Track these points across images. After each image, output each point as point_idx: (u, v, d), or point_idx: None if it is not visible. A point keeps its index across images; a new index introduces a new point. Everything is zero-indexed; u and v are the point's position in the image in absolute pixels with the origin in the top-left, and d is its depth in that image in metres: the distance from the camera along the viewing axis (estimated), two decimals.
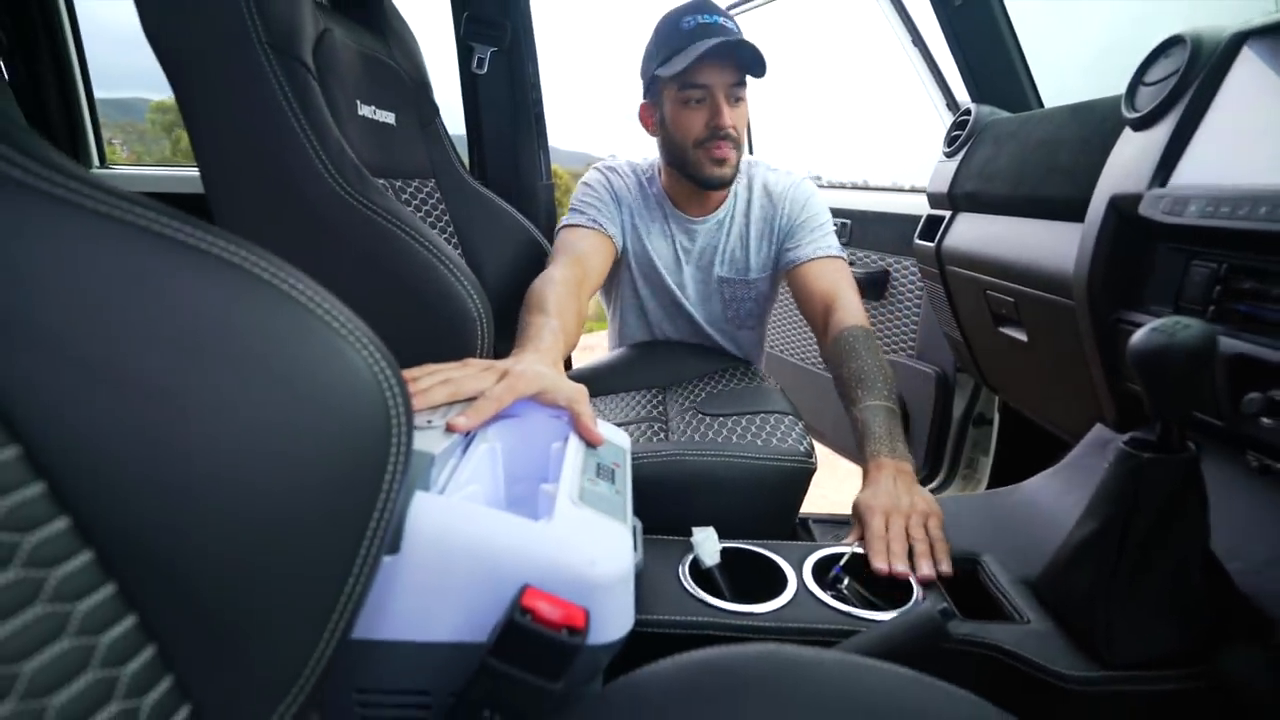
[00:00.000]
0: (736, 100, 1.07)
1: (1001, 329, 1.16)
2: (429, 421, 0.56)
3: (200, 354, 0.25)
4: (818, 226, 1.17)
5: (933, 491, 1.76)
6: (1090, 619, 0.60)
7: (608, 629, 0.44)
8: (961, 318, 1.32)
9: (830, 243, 1.16)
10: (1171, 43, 0.77)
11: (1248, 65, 0.68)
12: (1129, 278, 0.80)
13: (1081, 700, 0.57)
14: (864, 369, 0.96)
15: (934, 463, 1.71)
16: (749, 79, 1.06)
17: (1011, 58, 1.34)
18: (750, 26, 2.16)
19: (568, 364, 1.43)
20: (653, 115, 1.15)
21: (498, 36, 1.36)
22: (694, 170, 1.11)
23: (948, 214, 1.30)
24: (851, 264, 1.88)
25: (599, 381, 1.23)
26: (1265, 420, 0.63)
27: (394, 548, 0.43)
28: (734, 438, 0.99)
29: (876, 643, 0.58)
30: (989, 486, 1.65)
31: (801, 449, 0.95)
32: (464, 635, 0.43)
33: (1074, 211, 0.91)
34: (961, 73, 1.45)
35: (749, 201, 1.21)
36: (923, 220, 1.39)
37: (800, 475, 0.93)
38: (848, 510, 0.84)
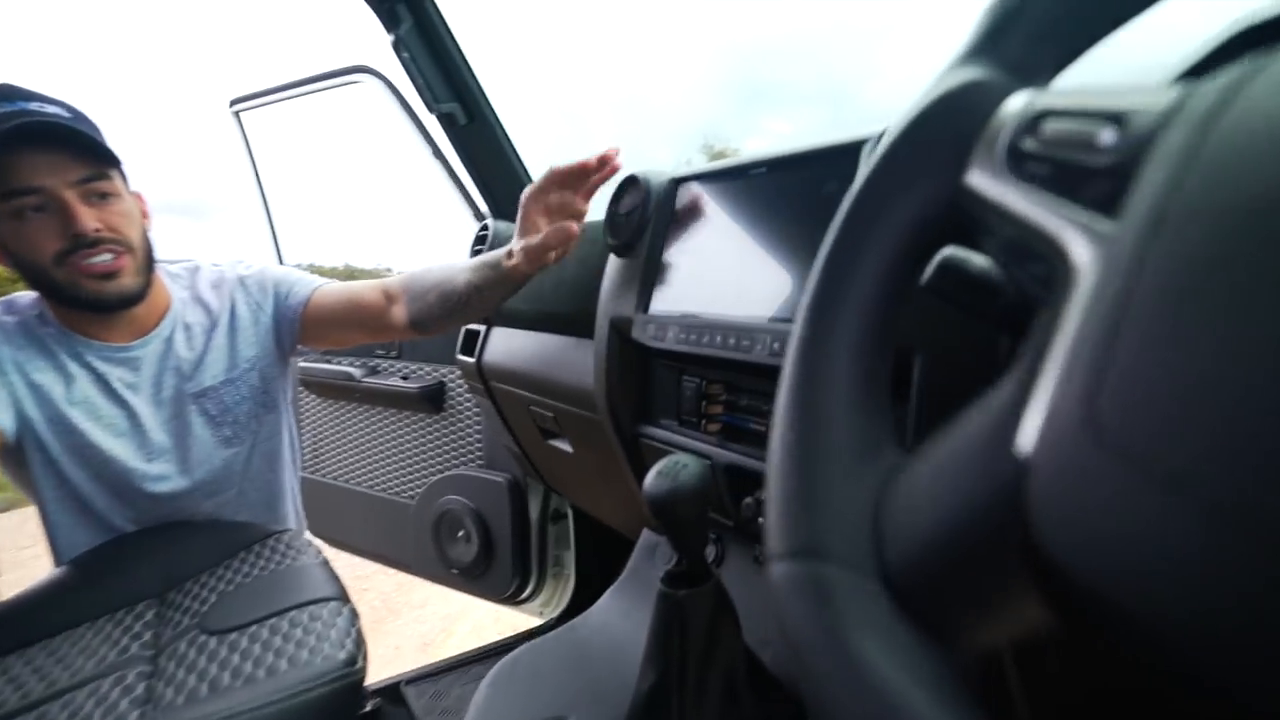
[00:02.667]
0: (102, 197, 0.82)
1: (549, 441, 1.16)
2: None
3: None
4: (298, 279, 1.05)
5: (525, 601, 1.71)
6: None
7: None
8: (514, 430, 1.30)
9: (320, 279, 1.07)
10: (630, 181, 0.84)
11: (685, 205, 0.77)
12: (639, 393, 0.84)
13: None
14: (435, 270, 0.98)
15: (522, 572, 1.66)
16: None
17: (518, 174, 1.41)
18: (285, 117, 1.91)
19: None
20: None
21: None
22: (72, 293, 0.83)
23: (483, 328, 1.27)
24: (405, 378, 1.75)
25: (36, 622, 0.82)
26: (762, 520, 0.69)
27: None
28: (248, 666, 0.73)
29: None
30: (577, 579, 1.67)
31: (342, 655, 0.75)
32: None
33: (585, 328, 0.94)
34: (478, 188, 1.47)
35: (199, 299, 0.99)
36: (461, 334, 1.35)
37: (343, 694, 0.72)
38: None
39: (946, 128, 0.27)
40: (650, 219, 0.79)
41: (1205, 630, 0.15)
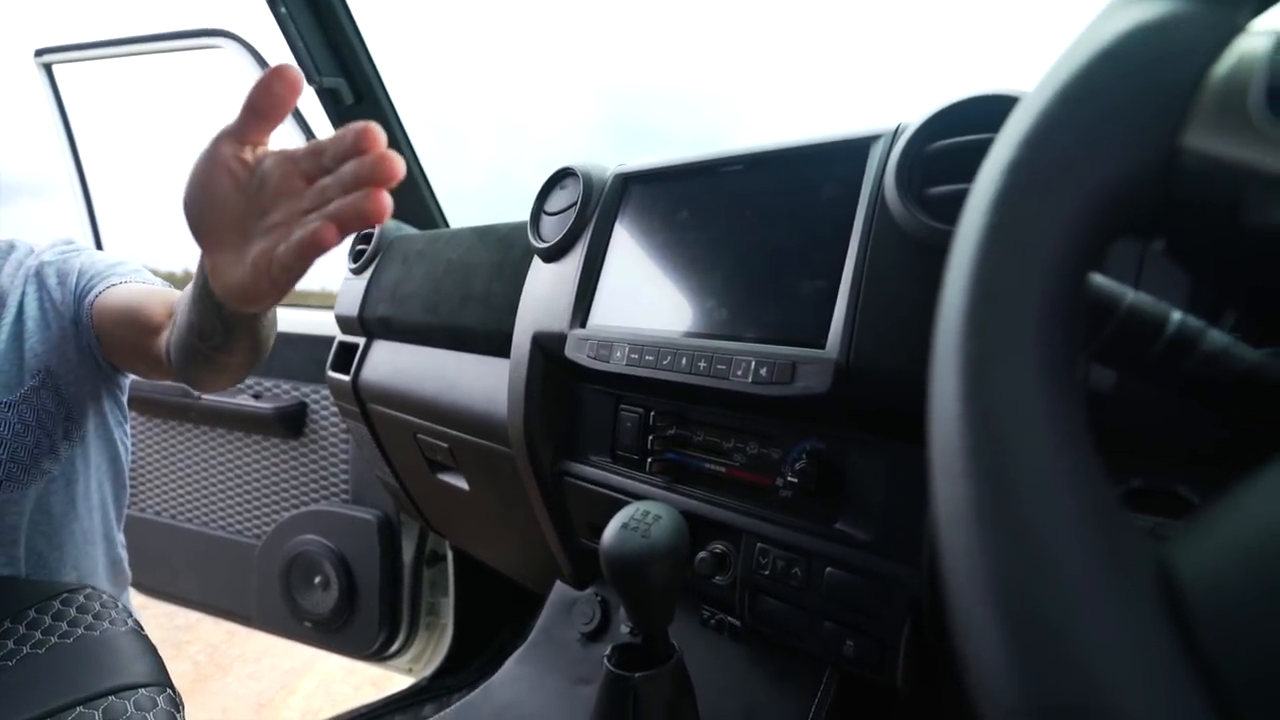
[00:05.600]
0: None
1: (439, 475, 0.99)
2: None
3: None
4: (104, 269, 0.78)
5: (392, 656, 1.49)
6: None
7: None
8: (393, 461, 1.11)
9: (141, 274, 0.80)
10: (564, 174, 0.72)
11: (635, 205, 0.66)
12: (565, 423, 0.71)
13: None
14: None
15: (391, 624, 1.44)
16: None
17: (412, 170, 1.24)
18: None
19: None
20: None
21: None
22: None
23: (362, 341, 1.08)
24: (258, 396, 1.49)
25: None
26: (718, 578, 0.58)
27: None
28: None
29: None
30: (455, 630, 1.47)
31: None
32: None
33: (498, 346, 0.80)
34: None
35: None
36: (334, 347, 1.14)
37: None
38: None
39: (1148, 72, 0.20)
40: (591, 219, 0.67)
41: None
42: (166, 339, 0.67)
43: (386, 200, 0.39)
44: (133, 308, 0.73)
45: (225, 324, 0.53)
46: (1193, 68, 0.19)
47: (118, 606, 0.77)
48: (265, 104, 0.41)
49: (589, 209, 0.68)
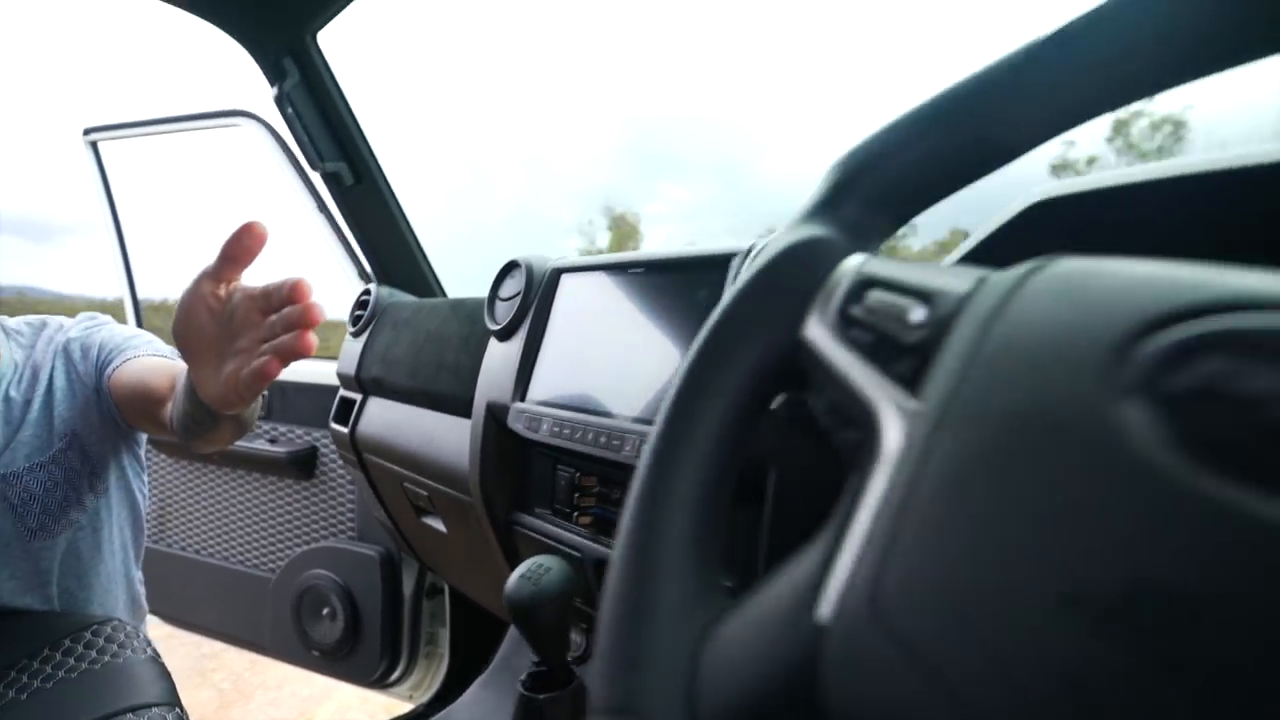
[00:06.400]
0: None
1: (423, 519, 1.11)
2: None
3: None
4: (122, 344, 0.89)
5: (394, 684, 1.59)
6: None
7: None
8: (387, 505, 1.23)
9: (153, 347, 0.90)
10: (512, 265, 0.84)
11: (565, 296, 0.78)
12: (514, 480, 0.83)
13: None
14: None
15: (392, 653, 1.55)
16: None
17: (407, 241, 1.38)
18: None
19: None
20: None
21: None
22: None
23: (359, 397, 1.22)
24: (273, 441, 1.63)
25: None
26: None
27: None
28: None
29: None
30: (451, 659, 1.58)
31: None
32: None
33: (464, 408, 0.91)
34: (363, 251, 1.43)
35: (34, 365, 0.87)
36: (336, 402, 1.28)
37: None
38: None
39: (790, 279, 0.28)
40: (531, 305, 0.79)
41: None
42: (170, 410, 0.77)
43: (311, 340, 0.51)
44: (143, 380, 0.83)
45: (211, 416, 0.65)
46: (818, 277, 0.27)
47: (139, 637, 0.90)
48: (237, 252, 0.53)
49: (530, 296, 0.80)
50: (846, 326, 0.24)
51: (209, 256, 0.55)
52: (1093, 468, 0.16)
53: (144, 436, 0.98)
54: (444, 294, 1.42)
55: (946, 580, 0.17)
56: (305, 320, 0.50)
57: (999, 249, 0.44)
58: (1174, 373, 0.15)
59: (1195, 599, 0.14)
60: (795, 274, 0.28)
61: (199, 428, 0.69)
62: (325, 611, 1.56)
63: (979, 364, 0.19)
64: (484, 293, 0.92)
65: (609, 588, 0.28)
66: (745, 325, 0.29)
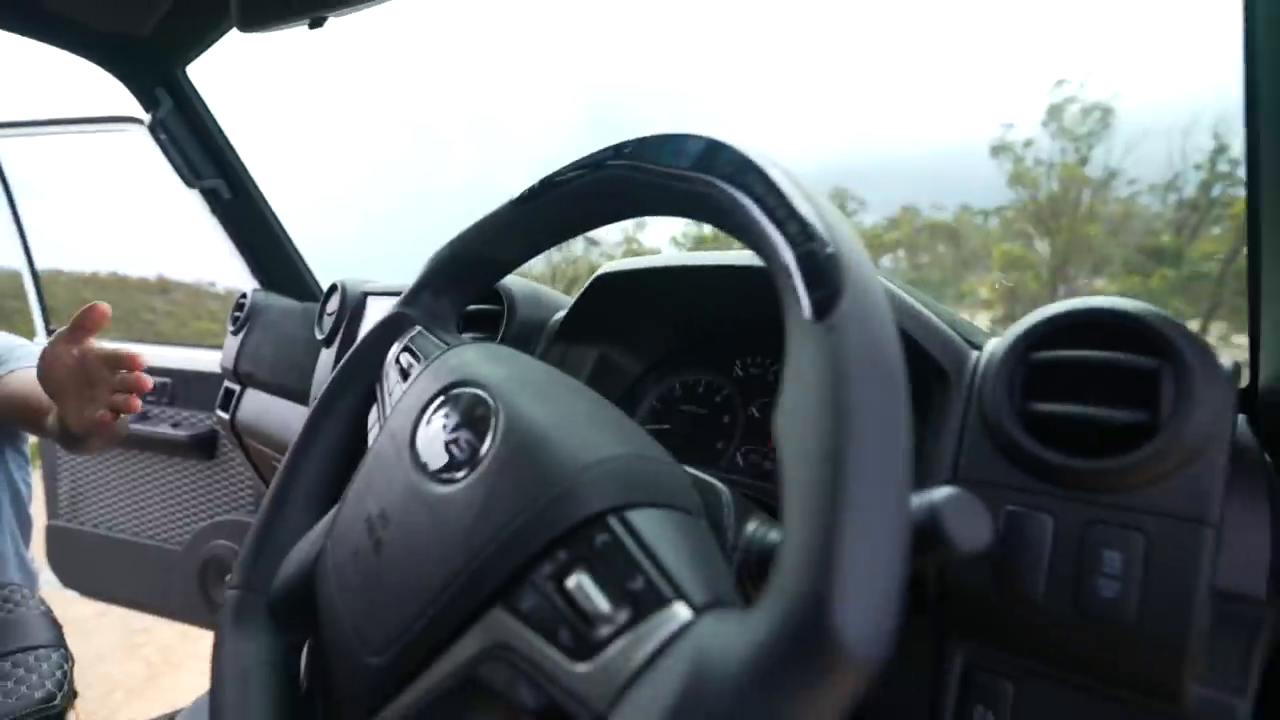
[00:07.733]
0: None
1: None
2: None
3: None
4: (11, 349, 1.01)
5: None
6: None
7: None
8: (266, 482, 1.42)
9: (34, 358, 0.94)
10: (334, 288, 1.03)
11: (371, 315, 0.97)
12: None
13: None
14: None
15: None
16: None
17: (285, 248, 1.53)
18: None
19: None
20: None
21: None
22: None
23: (238, 388, 1.39)
24: (177, 425, 1.79)
25: None
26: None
27: None
28: None
29: None
30: None
31: (39, 695, 0.85)
32: None
33: (308, 401, 1.10)
34: (246, 261, 1.57)
35: None
36: (221, 390, 1.44)
37: None
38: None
39: (380, 341, 0.48)
40: (343, 321, 0.98)
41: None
42: (51, 420, 0.84)
43: (136, 402, 0.70)
44: (23, 394, 0.93)
45: (85, 441, 0.81)
46: (393, 338, 0.50)
47: (34, 597, 1.08)
48: (86, 324, 0.71)
49: (343, 313, 0.99)
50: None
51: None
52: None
53: (28, 436, 1.14)
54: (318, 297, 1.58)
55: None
56: (136, 387, 0.69)
57: (584, 314, 0.65)
58: None
59: (387, 518, 0.35)
60: (384, 336, 0.48)
61: (76, 444, 0.84)
62: (228, 578, 1.73)
63: None
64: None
65: (260, 510, 0.48)
66: (353, 373, 0.50)
